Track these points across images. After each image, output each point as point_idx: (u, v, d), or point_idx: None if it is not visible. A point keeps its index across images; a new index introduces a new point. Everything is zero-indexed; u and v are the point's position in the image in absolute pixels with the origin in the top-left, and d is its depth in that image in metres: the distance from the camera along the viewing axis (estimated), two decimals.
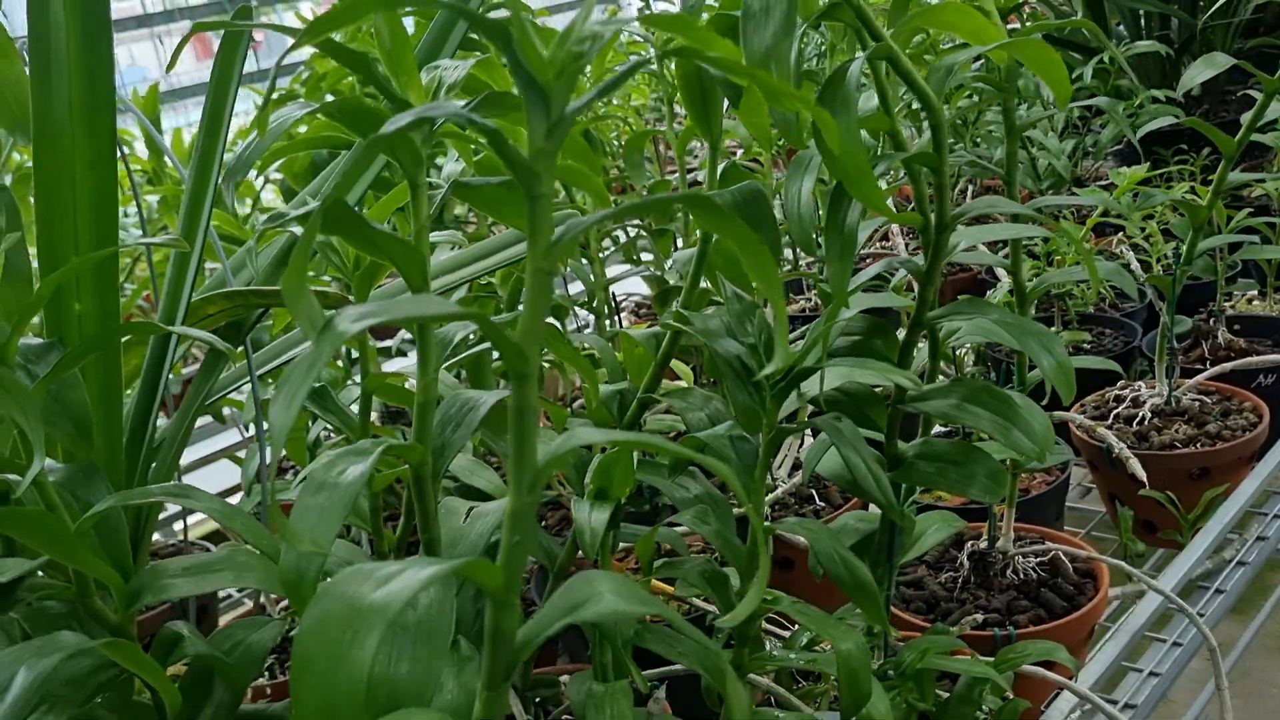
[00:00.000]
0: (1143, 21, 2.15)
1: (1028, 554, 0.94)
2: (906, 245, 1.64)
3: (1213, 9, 1.92)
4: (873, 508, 0.72)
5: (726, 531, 0.65)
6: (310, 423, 0.80)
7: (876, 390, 0.72)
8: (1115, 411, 1.16)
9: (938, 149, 0.62)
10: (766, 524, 0.64)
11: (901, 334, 0.70)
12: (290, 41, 0.38)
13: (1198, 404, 1.15)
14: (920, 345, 0.72)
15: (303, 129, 0.76)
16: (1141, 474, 0.95)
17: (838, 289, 0.60)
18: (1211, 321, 1.29)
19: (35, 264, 0.52)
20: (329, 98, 1.12)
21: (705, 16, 0.53)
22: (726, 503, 0.71)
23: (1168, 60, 2.06)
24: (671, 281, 1.32)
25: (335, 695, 0.29)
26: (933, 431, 0.94)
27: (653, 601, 0.38)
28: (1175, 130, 1.86)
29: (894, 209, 1.50)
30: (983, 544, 0.95)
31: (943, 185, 0.63)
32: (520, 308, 0.67)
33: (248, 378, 0.70)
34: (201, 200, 0.61)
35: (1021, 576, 0.93)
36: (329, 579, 0.36)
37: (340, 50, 0.45)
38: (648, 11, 2.78)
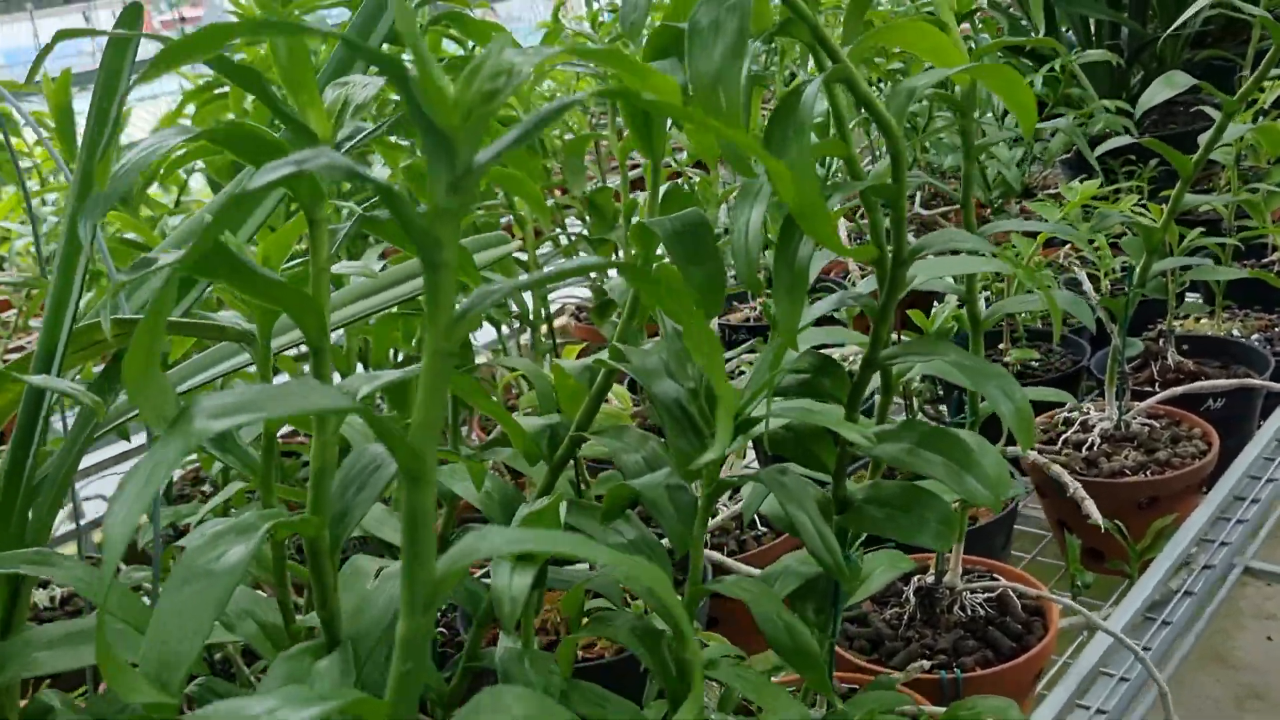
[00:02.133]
0: (1093, 29, 2.14)
1: (975, 589, 0.91)
2: (861, 271, 1.61)
3: (1173, 23, 1.90)
4: None
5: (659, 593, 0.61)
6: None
7: (818, 429, 0.68)
8: (1064, 436, 1.13)
9: (897, 180, 0.57)
10: (704, 585, 0.60)
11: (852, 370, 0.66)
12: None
13: (1147, 429, 1.13)
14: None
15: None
16: (1097, 517, 0.92)
17: (787, 330, 0.55)
18: (1161, 342, 1.27)
19: None
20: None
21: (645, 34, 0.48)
22: (662, 548, 0.66)
23: (1117, 69, 2.05)
24: (610, 295, 1.27)
25: None
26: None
27: (561, 714, 0.32)
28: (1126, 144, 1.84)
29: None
30: (930, 579, 0.91)
31: (900, 219, 0.59)
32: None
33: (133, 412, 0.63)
34: (80, 219, 0.54)
35: (969, 614, 0.89)
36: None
37: (228, 66, 0.40)
38: (595, 5, 2.72)
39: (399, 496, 0.84)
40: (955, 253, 0.65)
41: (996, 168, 1.71)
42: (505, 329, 1.35)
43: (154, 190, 1.28)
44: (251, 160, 0.40)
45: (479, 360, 1.21)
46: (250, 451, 0.61)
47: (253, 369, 0.60)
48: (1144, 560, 1.03)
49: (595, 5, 2.75)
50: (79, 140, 0.61)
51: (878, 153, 1.70)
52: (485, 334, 1.48)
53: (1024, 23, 2.10)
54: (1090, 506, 0.91)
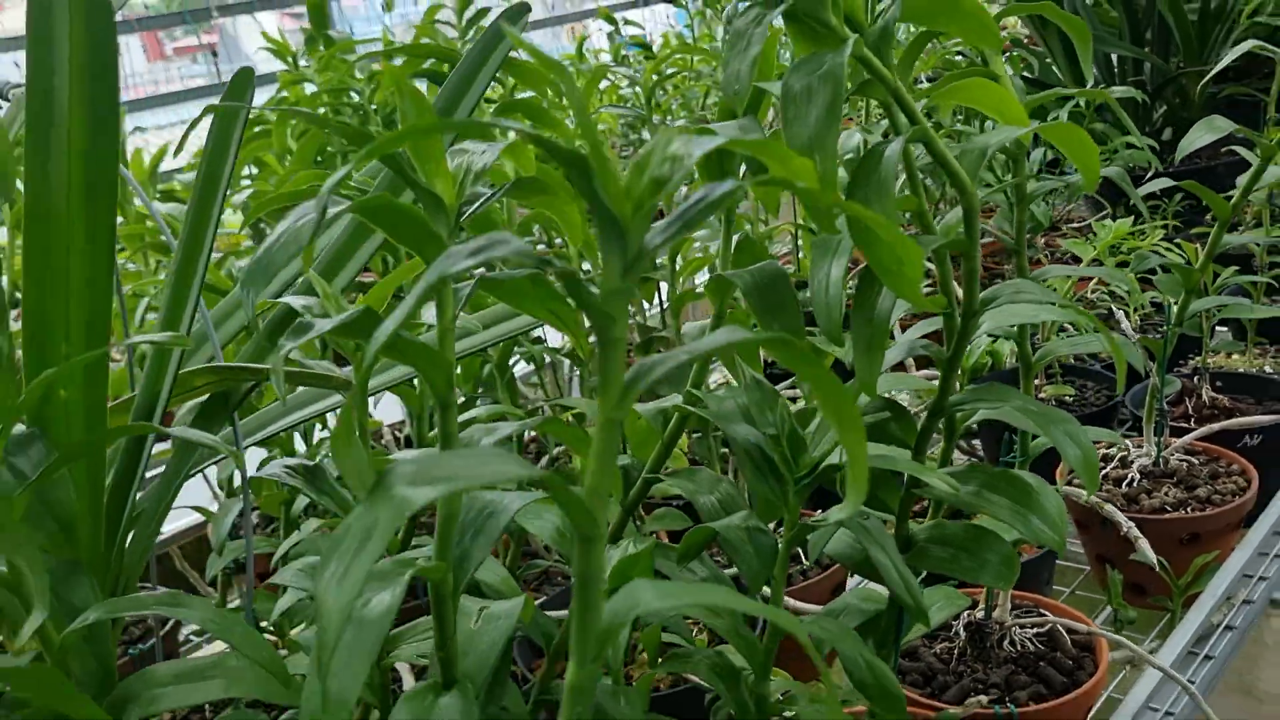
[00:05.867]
0: (1115, 66, 2.16)
1: (1025, 625, 0.92)
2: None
3: (1195, 59, 1.93)
4: (876, 585, 0.70)
5: (739, 625, 0.63)
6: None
7: (885, 472, 0.70)
8: (1104, 472, 1.15)
9: (970, 234, 0.60)
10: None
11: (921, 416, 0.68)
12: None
13: (1185, 465, 1.15)
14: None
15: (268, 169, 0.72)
16: (1152, 557, 0.93)
17: (865, 382, 0.58)
18: (1196, 379, 1.28)
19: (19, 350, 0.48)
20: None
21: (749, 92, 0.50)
22: (734, 587, 0.68)
23: (1141, 104, 2.07)
24: (655, 329, 1.29)
25: None
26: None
27: None
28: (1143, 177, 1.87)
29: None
30: (979, 614, 0.93)
31: (974, 270, 0.61)
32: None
33: (231, 447, 0.66)
34: (190, 276, 0.57)
35: (1019, 649, 0.91)
36: None
37: (355, 134, 0.42)
38: (618, 39, 2.75)
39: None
40: (1016, 303, 0.67)
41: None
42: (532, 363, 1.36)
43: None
44: (387, 227, 0.42)
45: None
46: (341, 490, 0.63)
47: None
48: (1187, 595, 1.04)
49: (617, 40, 2.79)
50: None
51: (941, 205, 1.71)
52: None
53: (1048, 60, 2.13)
54: (1144, 545, 0.93)
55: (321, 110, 1.55)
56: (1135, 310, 1.48)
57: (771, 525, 0.66)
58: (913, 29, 0.72)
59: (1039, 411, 0.64)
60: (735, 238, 0.68)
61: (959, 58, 1.57)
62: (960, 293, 0.65)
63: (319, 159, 1.45)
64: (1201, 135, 1.00)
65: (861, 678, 0.58)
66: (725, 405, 0.63)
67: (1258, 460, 1.15)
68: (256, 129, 1.54)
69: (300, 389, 0.70)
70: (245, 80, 0.53)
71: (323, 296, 0.59)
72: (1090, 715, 0.96)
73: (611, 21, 2.68)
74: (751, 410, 0.62)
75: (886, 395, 0.69)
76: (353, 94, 1.51)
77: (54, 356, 0.47)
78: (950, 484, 0.58)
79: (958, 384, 0.67)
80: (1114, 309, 1.37)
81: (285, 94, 1.63)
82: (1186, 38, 2.02)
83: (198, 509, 1.02)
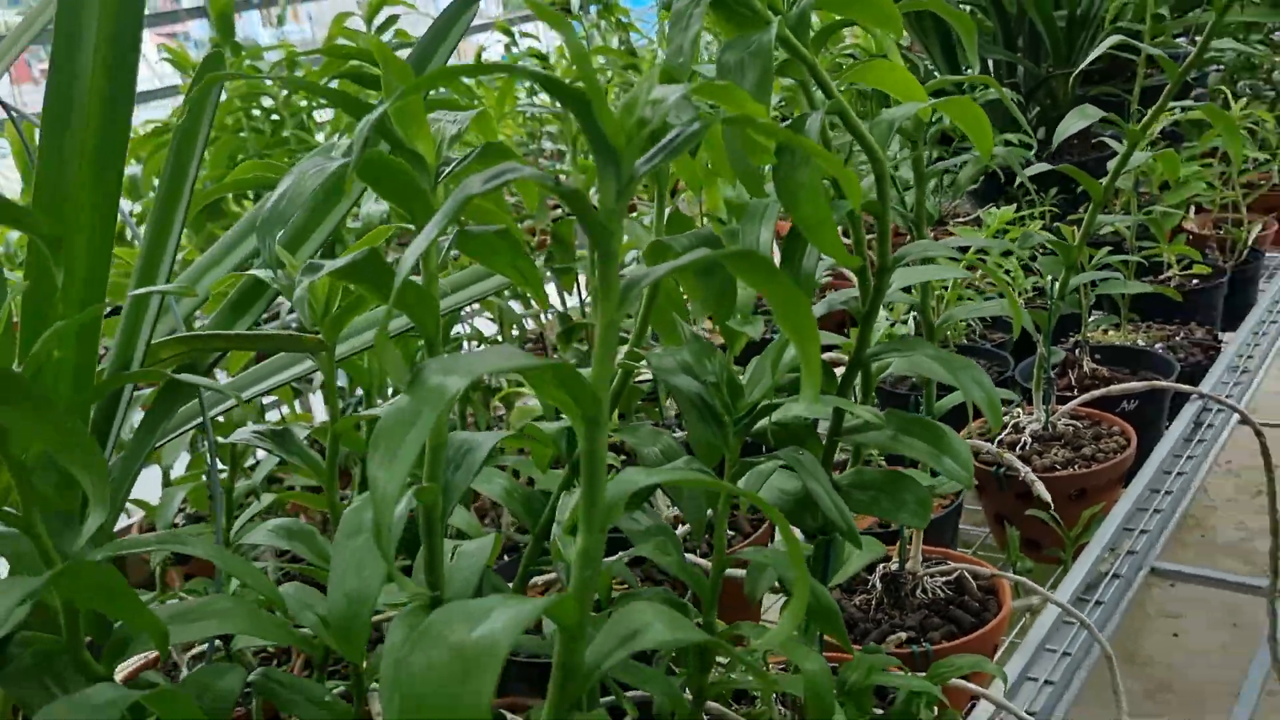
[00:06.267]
0: (992, 70, 2.29)
1: (935, 574, 1.00)
2: None
3: (1064, 63, 2.06)
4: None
5: (684, 563, 0.68)
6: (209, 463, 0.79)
7: (808, 421, 0.77)
8: (1000, 438, 1.23)
9: (882, 198, 0.66)
10: (731, 555, 0.67)
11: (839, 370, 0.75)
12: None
13: (1071, 429, 1.24)
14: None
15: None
16: (1046, 496, 1.02)
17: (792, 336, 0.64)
18: (1077, 352, 1.39)
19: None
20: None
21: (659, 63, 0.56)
22: (673, 533, 0.74)
23: (1016, 105, 2.20)
24: (575, 319, 1.34)
25: None
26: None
27: (696, 631, 0.40)
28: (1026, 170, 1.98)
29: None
30: (893, 566, 1.00)
31: (885, 231, 0.68)
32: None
33: (198, 419, 0.69)
34: (163, 245, 0.60)
35: (930, 595, 0.98)
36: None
37: (353, 104, 0.47)
38: (514, 51, 2.80)
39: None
40: (926, 262, 0.74)
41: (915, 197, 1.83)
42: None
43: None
44: (377, 182, 0.46)
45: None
46: (310, 451, 0.66)
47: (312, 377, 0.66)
48: (1077, 546, 1.13)
49: (514, 51, 2.83)
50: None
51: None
52: None
53: (929, 64, 2.25)
54: (1040, 487, 1.01)
55: (229, 119, 1.57)
56: (1020, 295, 1.58)
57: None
58: (819, 21, 0.79)
59: (946, 358, 0.71)
60: (667, 211, 0.73)
61: (850, 59, 1.66)
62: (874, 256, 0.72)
63: (233, 163, 1.46)
64: (1075, 122, 1.09)
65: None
66: (665, 361, 0.68)
67: (1135, 423, 1.25)
68: (166, 135, 1.55)
69: (278, 356, 0.73)
70: (217, 61, 0.57)
71: (288, 267, 0.62)
72: (996, 655, 1.04)
73: (508, 34, 2.73)
74: (691, 363, 0.67)
75: None
76: (265, 100, 1.53)
77: (51, 317, 0.50)
78: (874, 414, 0.64)
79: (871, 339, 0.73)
80: (1001, 294, 1.46)
81: None
82: (1055, 43, 2.15)
83: (137, 502, 1.04)
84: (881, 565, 1.01)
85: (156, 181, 1.04)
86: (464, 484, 0.52)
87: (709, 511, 0.69)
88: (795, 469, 0.64)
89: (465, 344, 1.23)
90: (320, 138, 1.44)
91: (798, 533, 0.92)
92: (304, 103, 1.49)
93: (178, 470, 1.05)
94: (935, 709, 0.79)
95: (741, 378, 0.68)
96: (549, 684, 0.38)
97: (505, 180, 0.34)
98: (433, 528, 0.49)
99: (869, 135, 0.65)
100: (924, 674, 0.81)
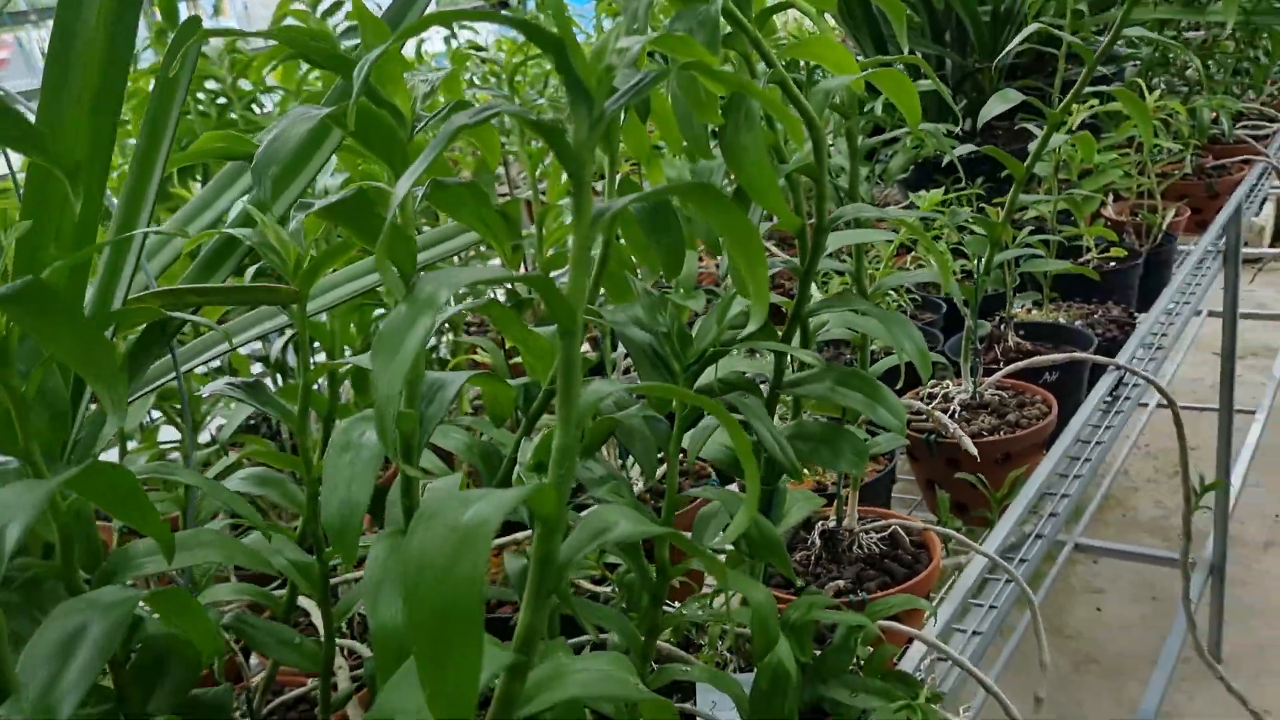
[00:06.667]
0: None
1: (870, 530, 1.05)
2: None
3: (990, 56, 2.14)
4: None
5: (637, 505, 0.72)
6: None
7: (749, 377, 0.81)
8: (931, 406, 1.29)
9: (819, 162, 0.71)
10: (684, 494, 0.72)
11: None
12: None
13: (997, 398, 1.31)
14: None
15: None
16: (973, 449, 1.08)
17: (741, 288, 0.68)
18: (1002, 327, 1.46)
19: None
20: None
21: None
22: (627, 481, 0.78)
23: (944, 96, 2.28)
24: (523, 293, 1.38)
25: (452, 594, 0.35)
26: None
27: (655, 526, 0.44)
28: (950, 162, 2.05)
29: None
30: (831, 524, 1.05)
31: (823, 193, 0.73)
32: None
33: (170, 374, 0.72)
34: (142, 198, 0.63)
35: (866, 551, 1.04)
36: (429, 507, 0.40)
37: (340, 62, 0.50)
38: (454, 43, 2.81)
39: None
40: (860, 225, 0.80)
41: (847, 183, 1.90)
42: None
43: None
44: (360, 132, 0.50)
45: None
46: (280, 401, 0.70)
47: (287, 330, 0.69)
48: (1003, 506, 1.19)
49: (453, 44, 2.86)
50: None
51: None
52: None
53: (859, 55, 2.32)
54: (967, 442, 1.08)
55: None
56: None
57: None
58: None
59: (880, 313, 0.77)
60: (618, 178, 0.78)
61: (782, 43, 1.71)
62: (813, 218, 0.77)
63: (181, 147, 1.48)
64: (998, 105, 1.16)
65: (750, 534, 0.69)
66: (619, 315, 0.73)
67: (1057, 393, 1.32)
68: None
69: (258, 310, 0.76)
70: (193, 25, 0.60)
71: (261, 225, 0.66)
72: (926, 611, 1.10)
73: (448, 27, 2.76)
74: (643, 317, 0.72)
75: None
76: (209, 83, 1.54)
77: (44, 259, 0.53)
78: (814, 357, 0.69)
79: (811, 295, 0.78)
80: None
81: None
82: (981, 37, 2.24)
83: None
84: (820, 523, 1.06)
85: (132, 143, 1.06)
86: (437, 417, 0.56)
87: (659, 455, 0.73)
88: (741, 411, 0.69)
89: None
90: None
91: (735, 488, 0.97)
92: (248, 85, 1.51)
93: (134, 442, 1.07)
94: (871, 648, 0.84)
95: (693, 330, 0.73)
96: (527, 579, 0.42)
97: (491, 115, 0.38)
98: (410, 455, 0.53)
99: (807, 102, 0.70)
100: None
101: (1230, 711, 2.26)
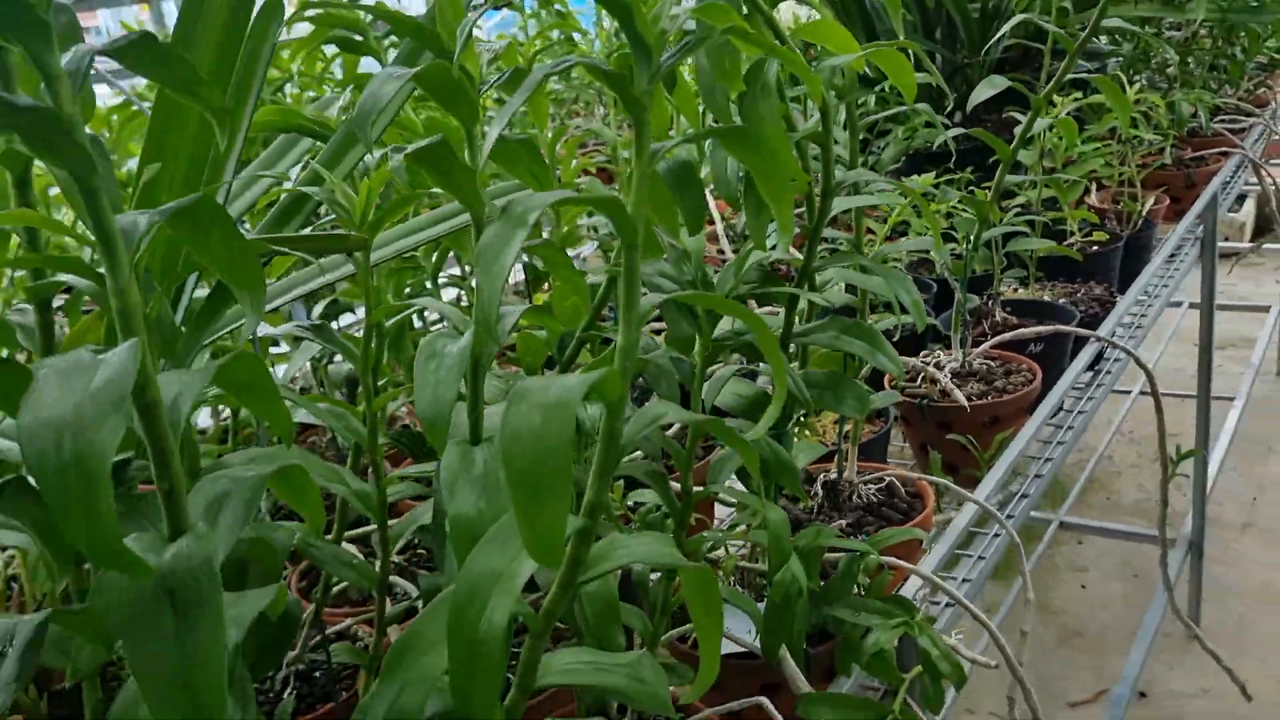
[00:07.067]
0: (911, 58, 2.46)
1: (868, 482, 1.13)
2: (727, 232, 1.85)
3: (978, 51, 2.23)
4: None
5: (665, 437, 0.81)
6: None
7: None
8: (922, 375, 1.38)
9: (826, 131, 0.80)
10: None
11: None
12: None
13: (986, 367, 1.39)
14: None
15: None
16: (964, 401, 1.16)
17: (757, 238, 0.77)
18: (990, 304, 1.54)
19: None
20: None
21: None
22: None
23: (935, 89, 2.37)
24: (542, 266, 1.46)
25: (546, 452, 0.43)
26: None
27: (699, 416, 0.52)
28: (943, 153, 2.15)
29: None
30: (832, 476, 1.14)
31: (829, 160, 0.81)
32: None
33: (241, 320, 0.80)
34: (229, 154, 0.71)
35: (864, 500, 1.12)
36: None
37: (418, 30, 0.58)
38: None
39: None
40: (862, 190, 0.88)
41: (843, 173, 1.99)
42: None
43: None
44: (437, 91, 0.58)
45: None
46: (346, 342, 0.78)
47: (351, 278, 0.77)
48: (990, 464, 1.28)
49: None
50: None
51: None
52: None
53: None
54: (959, 395, 1.16)
55: None
56: (939, 261, 1.74)
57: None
58: None
59: (881, 269, 0.85)
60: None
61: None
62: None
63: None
64: (986, 90, 1.24)
65: (766, 457, 0.77)
66: (648, 268, 0.81)
67: (1041, 363, 1.41)
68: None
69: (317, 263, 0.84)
70: (276, 5, 0.68)
71: (330, 182, 0.74)
72: (920, 557, 1.19)
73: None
74: (670, 270, 0.80)
75: (767, 267, 0.88)
76: None
77: (160, 198, 0.61)
78: (825, 299, 0.77)
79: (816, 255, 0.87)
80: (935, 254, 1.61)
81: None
82: (970, 33, 2.33)
83: None
84: (822, 475, 1.15)
85: None
86: (502, 339, 0.64)
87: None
88: (759, 342, 0.77)
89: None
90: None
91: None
92: (275, 72, 1.58)
93: None
94: (870, 579, 0.93)
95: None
96: (594, 457, 0.50)
97: (572, 66, 0.46)
98: (479, 371, 0.61)
99: (814, 75, 0.78)
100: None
101: (1210, 684, 2.35)
